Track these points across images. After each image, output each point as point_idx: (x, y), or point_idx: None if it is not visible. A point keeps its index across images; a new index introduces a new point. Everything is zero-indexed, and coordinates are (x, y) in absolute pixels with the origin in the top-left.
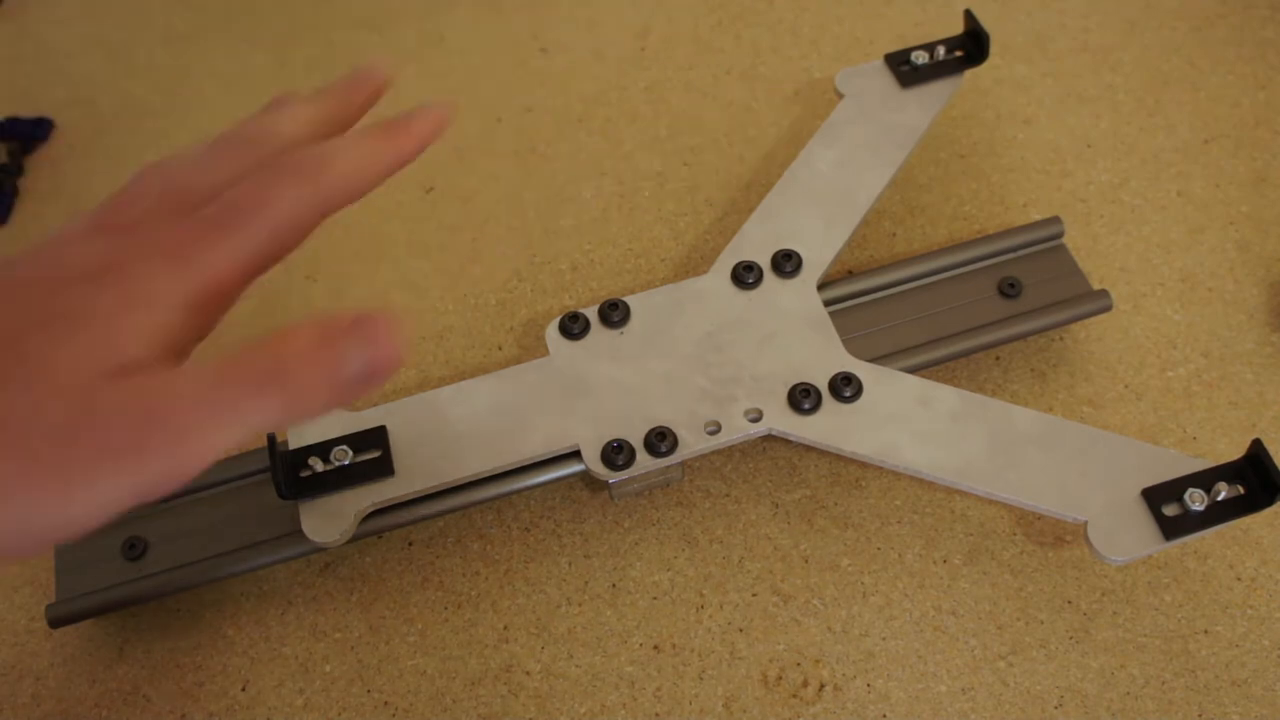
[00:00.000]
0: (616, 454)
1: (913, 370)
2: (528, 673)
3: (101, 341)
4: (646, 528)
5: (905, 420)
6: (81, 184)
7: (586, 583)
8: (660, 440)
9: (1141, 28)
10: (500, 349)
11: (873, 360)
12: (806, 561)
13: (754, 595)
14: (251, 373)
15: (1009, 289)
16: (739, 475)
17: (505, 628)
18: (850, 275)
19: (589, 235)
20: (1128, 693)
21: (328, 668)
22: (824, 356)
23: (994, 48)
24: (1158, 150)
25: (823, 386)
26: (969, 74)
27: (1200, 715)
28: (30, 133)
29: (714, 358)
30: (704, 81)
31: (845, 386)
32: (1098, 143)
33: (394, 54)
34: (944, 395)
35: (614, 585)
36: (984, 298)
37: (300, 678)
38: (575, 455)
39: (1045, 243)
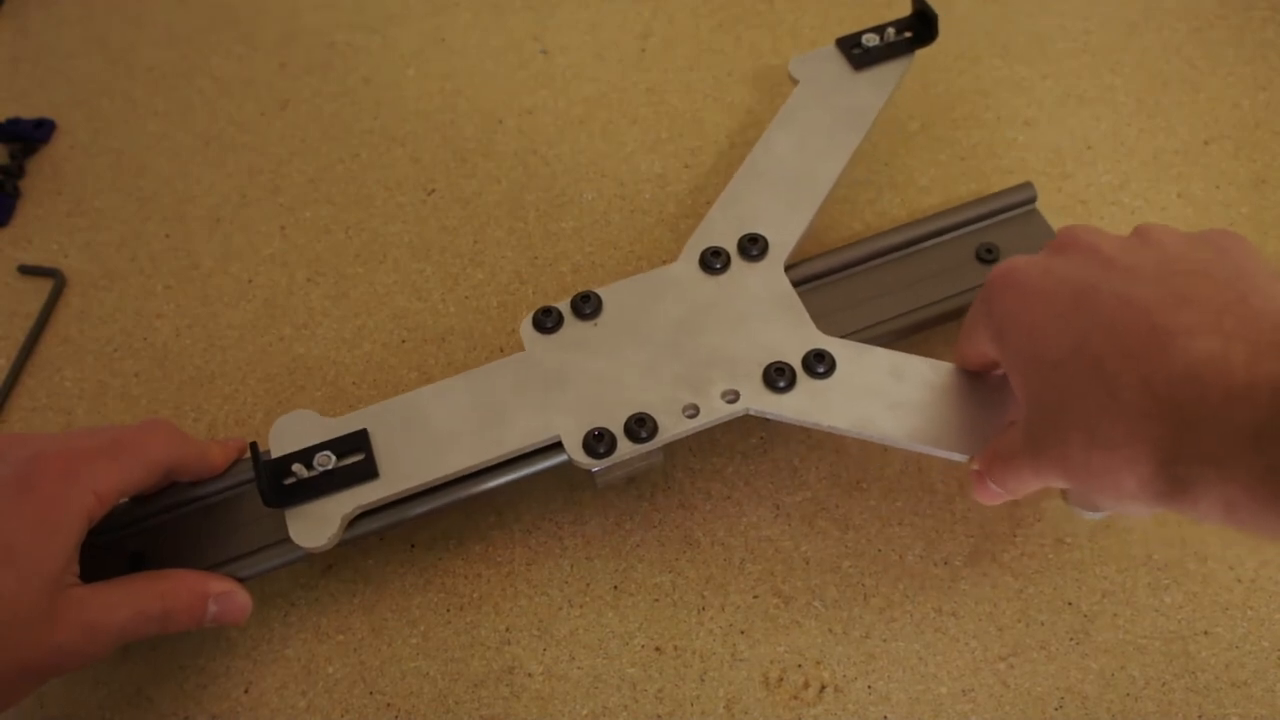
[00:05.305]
0: (598, 442)
1: (902, 334)
2: (530, 674)
3: None
4: (648, 530)
5: (879, 393)
6: (82, 185)
7: (588, 584)
8: (640, 426)
9: (1141, 29)
10: (502, 351)
11: (862, 329)
12: (807, 563)
13: (755, 597)
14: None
15: (986, 254)
16: (740, 477)
17: (507, 629)
18: (828, 251)
19: (590, 237)
20: (1128, 694)
21: (330, 669)
22: (796, 335)
23: (994, 48)
24: (1158, 152)
25: (797, 364)
26: (969, 73)
27: (1200, 716)
28: (31, 134)
29: (688, 343)
30: (705, 83)
31: (818, 363)
32: (1098, 144)
33: (394, 55)
34: (916, 365)
35: (616, 587)
36: (963, 264)
37: (303, 679)
38: (557, 446)
39: (1019, 208)
